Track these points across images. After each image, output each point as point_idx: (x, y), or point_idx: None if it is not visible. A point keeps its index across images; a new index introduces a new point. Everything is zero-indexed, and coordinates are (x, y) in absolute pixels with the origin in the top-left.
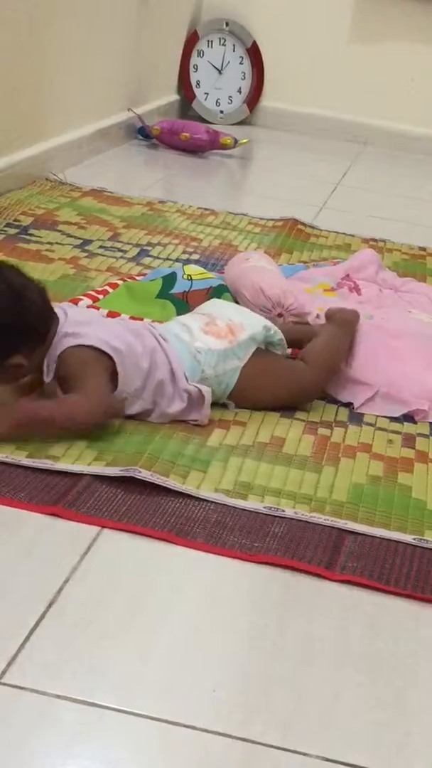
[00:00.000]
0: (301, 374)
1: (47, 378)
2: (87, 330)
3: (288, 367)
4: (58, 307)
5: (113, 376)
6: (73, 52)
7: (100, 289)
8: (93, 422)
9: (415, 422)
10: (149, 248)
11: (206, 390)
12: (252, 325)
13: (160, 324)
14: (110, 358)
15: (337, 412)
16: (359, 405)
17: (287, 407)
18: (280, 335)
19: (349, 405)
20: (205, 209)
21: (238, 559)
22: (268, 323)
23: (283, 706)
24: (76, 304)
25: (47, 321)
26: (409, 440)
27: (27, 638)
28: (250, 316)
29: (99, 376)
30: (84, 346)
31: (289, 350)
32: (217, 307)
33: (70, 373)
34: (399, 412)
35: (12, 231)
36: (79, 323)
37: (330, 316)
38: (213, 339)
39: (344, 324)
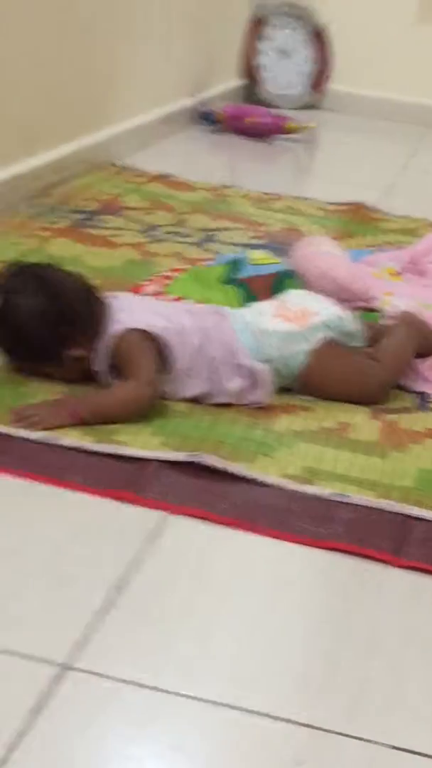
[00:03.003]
0: (372, 371)
1: (97, 367)
2: (130, 315)
3: (359, 361)
4: (106, 297)
5: (162, 356)
6: (138, 37)
7: (165, 274)
8: (145, 404)
9: None
10: (214, 233)
11: (262, 368)
12: (326, 312)
13: (231, 309)
14: (156, 338)
15: (403, 398)
16: None
17: (354, 402)
18: (357, 326)
19: (420, 393)
20: (270, 194)
21: (304, 545)
22: (344, 313)
23: (348, 691)
24: (140, 290)
25: (93, 309)
26: None
27: (93, 623)
28: (325, 305)
29: (146, 357)
30: (129, 330)
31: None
32: (294, 295)
33: (120, 359)
34: None
35: (78, 217)
36: (122, 310)
37: (400, 316)
38: (281, 321)
39: (413, 324)
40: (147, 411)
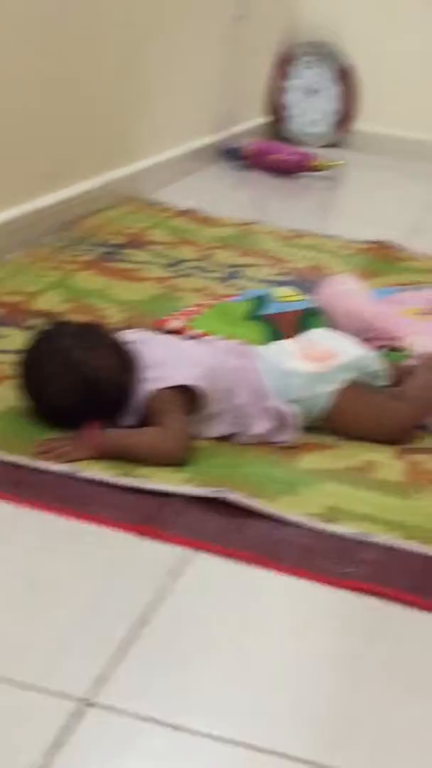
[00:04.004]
0: (396, 411)
1: (126, 423)
2: (167, 370)
3: (383, 402)
4: (136, 342)
5: (193, 403)
6: (164, 74)
7: (190, 309)
8: (173, 458)
9: None
10: (240, 269)
11: (290, 410)
12: (348, 353)
13: (256, 346)
14: (189, 390)
15: (429, 438)
16: None
17: (378, 442)
18: (381, 365)
19: None
20: (296, 231)
21: (327, 585)
22: (368, 353)
23: (370, 734)
24: (164, 324)
25: (126, 389)
26: None
27: (115, 658)
28: (349, 345)
29: (180, 412)
30: (161, 389)
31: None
32: (318, 334)
33: (152, 417)
34: None
35: (104, 250)
36: (157, 364)
37: (425, 356)
38: (306, 362)
39: None
40: (169, 465)
